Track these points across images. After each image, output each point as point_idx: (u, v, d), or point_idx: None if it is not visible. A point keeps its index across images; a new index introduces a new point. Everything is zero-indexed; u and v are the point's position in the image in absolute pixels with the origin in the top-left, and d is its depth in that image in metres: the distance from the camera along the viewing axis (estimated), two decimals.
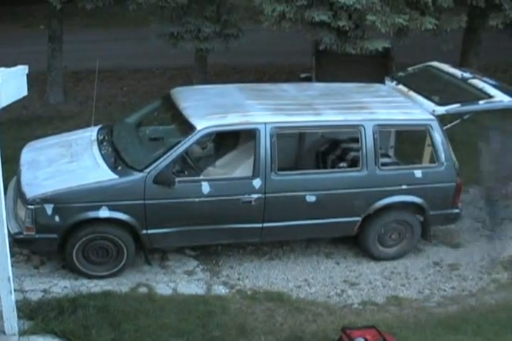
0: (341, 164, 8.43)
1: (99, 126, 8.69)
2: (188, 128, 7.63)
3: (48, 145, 8.44)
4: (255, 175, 7.67)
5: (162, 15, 11.91)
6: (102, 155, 7.89)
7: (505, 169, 8.78)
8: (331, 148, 8.83)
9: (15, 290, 6.50)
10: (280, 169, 7.75)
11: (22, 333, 6.46)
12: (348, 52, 10.37)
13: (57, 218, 7.28)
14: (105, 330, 6.59)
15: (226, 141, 8.53)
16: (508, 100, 8.36)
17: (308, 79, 11.03)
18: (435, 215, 8.32)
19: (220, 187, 7.57)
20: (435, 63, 9.61)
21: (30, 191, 7.37)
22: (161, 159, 7.43)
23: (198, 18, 11.61)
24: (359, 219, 8.11)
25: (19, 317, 6.51)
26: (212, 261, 8.19)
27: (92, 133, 8.48)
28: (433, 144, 8.19)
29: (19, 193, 7.54)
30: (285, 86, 9.03)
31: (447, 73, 9.28)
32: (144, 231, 7.53)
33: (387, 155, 8.66)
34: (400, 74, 9.63)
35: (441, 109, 8.33)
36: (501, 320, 7.37)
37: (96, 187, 7.36)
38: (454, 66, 9.64)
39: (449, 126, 8.45)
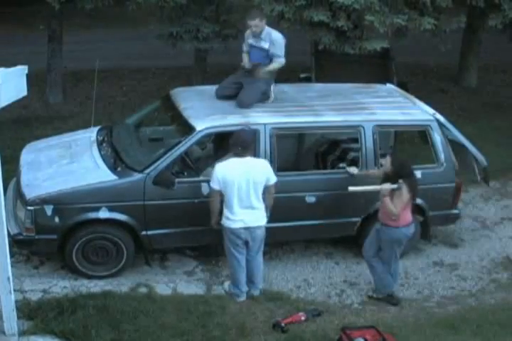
0: (341, 165, 8.43)
1: (99, 127, 8.69)
2: (187, 128, 7.64)
3: (47, 146, 8.45)
4: None
5: (161, 15, 11.93)
6: (101, 156, 7.89)
7: None
8: (331, 149, 8.83)
9: (14, 291, 6.49)
10: (280, 170, 7.75)
11: (22, 333, 6.45)
12: (347, 52, 10.37)
13: (56, 219, 7.29)
14: (105, 330, 6.58)
15: (226, 141, 8.51)
16: None
17: (308, 79, 11.03)
18: (435, 216, 8.33)
19: None
20: None
21: (30, 192, 7.37)
22: (161, 160, 7.43)
23: (197, 18, 11.63)
24: (359, 219, 8.12)
25: (19, 318, 6.51)
26: (212, 261, 8.20)
27: (91, 134, 8.48)
28: (432, 145, 8.19)
29: (19, 194, 7.54)
30: (285, 87, 9.02)
31: None
32: (144, 232, 7.54)
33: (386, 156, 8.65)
34: None
35: None
36: (501, 320, 7.36)
37: (96, 188, 7.36)
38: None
39: None
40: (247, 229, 7.14)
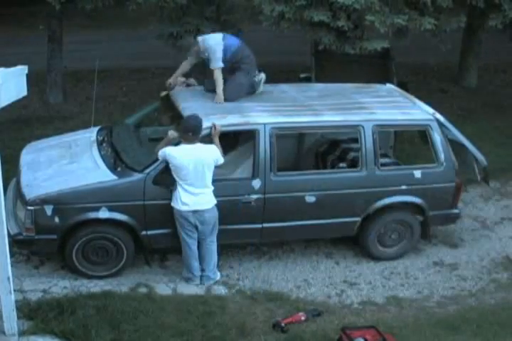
0: (341, 164, 8.43)
1: (99, 127, 8.70)
2: None
3: (47, 146, 8.45)
4: (255, 175, 7.68)
5: (162, 15, 11.94)
6: (101, 156, 7.89)
7: None
8: (331, 149, 8.83)
9: (14, 290, 6.49)
10: (280, 169, 7.75)
11: (21, 333, 6.45)
12: (347, 53, 10.38)
13: (56, 219, 7.29)
14: (105, 330, 6.58)
15: (225, 141, 8.50)
16: None
17: (308, 79, 11.04)
18: (435, 215, 8.33)
19: (219, 187, 7.56)
20: None
21: (30, 192, 7.37)
22: (161, 160, 7.43)
23: (197, 18, 11.64)
24: (359, 219, 8.12)
25: (19, 318, 6.51)
26: None
27: (91, 134, 8.49)
28: (432, 144, 8.19)
29: (19, 194, 7.54)
30: (284, 86, 9.03)
31: None
32: (144, 232, 7.54)
33: (386, 156, 8.66)
34: None
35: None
36: (501, 320, 7.36)
37: (96, 188, 7.36)
38: None
39: None
40: (195, 212, 7.28)
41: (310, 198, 7.83)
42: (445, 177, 8.24)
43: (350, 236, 8.32)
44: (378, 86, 9.28)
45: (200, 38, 8.36)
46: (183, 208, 7.28)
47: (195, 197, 7.25)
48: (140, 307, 7.00)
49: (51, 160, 7.97)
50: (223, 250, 8.30)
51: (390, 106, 8.45)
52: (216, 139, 7.45)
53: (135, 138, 8.35)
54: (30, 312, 6.79)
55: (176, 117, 8.08)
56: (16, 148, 8.81)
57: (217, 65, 8.19)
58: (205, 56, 8.34)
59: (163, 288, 7.57)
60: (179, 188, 7.26)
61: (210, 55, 8.19)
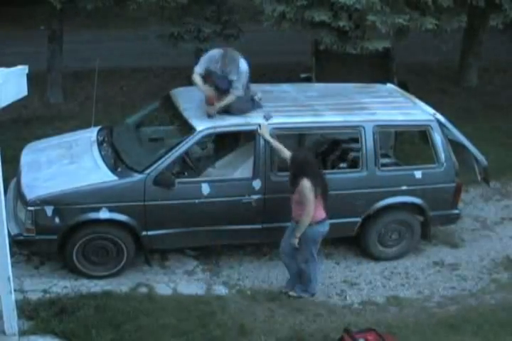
0: (341, 165, 8.43)
1: (99, 127, 8.69)
2: (188, 129, 7.64)
3: (47, 146, 8.45)
4: (255, 176, 7.68)
5: (162, 15, 11.95)
6: (102, 156, 7.89)
7: None
8: (331, 149, 8.83)
9: (15, 290, 6.50)
10: (280, 170, 7.75)
11: (22, 333, 6.46)
12: (348, 52, 10.38)
13: (57, 219, 7.29)
14: (105, 330, 6.59)
15: (226, 141, 8.53)
16: None
17: (308, 79, 11.04)
18: (435, 216, 8.33)
19: (219, 188, 7.57)
20: None
21: (30, 192, 7.37)
22: (161, 160, 7.43)
23: (198, 18, 11.66)
24: (359, 219, 8.12)
25: (19, 317, 6.52)
26: (212, 261, 8.20)
27: (92, 134, 8.48)
28: (433, 145, 8.19)
29: (19, 194, 7.54)
30: (285, 87, 9.03)
31: None
32: (144, 233, 7.54)
33: (387, 156, 8.66)
34: None
35: None
36: (501, 320, 7.37)
37: (96, 189, 7.36)
38: None
39: None
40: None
41: None
42: (445, 178, 8.24)
43: (350, 236, 8.33)
44: (379, 86, 9.28)
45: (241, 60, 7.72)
46: None
47: None
48: (140, 307, 7.01)
49: (51, 161, 7.97)
50: (224, 250, 8.32)
51: (390, 107, 8.45)
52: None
53: (135, 139, 8.35)
54: (30, 312, 6.80)
55: (176, 117, 8.08)
56: (16, 148, 8.80)
57: (240, 93, 7.70)
58: (229, 78, 7.68)
59: (163, 288, 7.57)
60: None
61: (241, 80, 7.67)
